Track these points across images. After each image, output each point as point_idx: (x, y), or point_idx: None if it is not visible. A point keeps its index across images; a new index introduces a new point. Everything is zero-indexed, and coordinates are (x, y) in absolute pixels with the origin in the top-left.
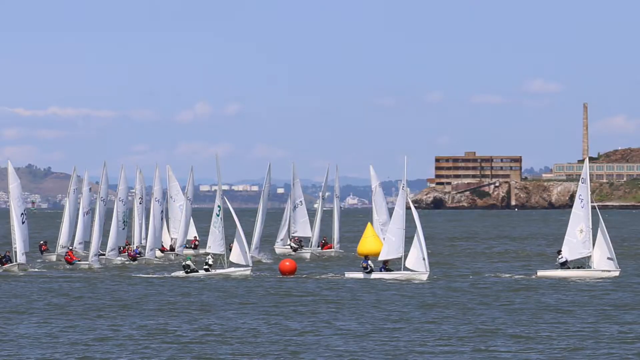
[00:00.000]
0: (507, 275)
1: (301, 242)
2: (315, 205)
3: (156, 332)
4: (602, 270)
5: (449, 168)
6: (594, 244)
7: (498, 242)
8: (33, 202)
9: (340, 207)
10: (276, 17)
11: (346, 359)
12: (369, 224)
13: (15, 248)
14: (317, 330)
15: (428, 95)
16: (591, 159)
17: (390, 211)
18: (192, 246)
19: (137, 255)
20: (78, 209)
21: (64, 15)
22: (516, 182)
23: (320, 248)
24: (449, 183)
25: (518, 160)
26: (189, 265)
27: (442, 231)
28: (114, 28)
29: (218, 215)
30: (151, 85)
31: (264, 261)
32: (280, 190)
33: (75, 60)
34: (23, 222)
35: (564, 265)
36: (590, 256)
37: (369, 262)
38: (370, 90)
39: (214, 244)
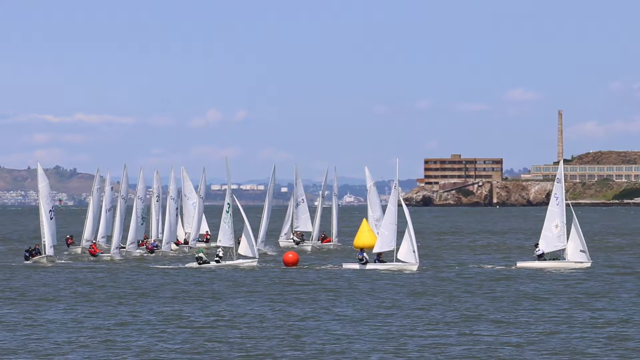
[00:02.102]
0: (489, 266)
1: (303, 236)
2: (316, 203)
3: (171, 317)
4: (575, 262)
5: (436, 169)
6: (568, 238)
7: (481, 236)
8: (60, 200)
9: (338, 205)
10: (279, 33)
11: (343, 342)
12: (364, 219)
13: (44, 241)
14: (317, 316)
15: (418, 103)
16: (565, 161)
17: (384, 208)
18: (204, 240)
19: (155, 248)
20: (101, 206)
21: (90, 31)
22: (497, 182)
23: (320, 241)
24: (436, 183)
25: (499, 162)
26: (201, 257)
27: (430, 226)
28: (133, 42)
29: (228, 212)
30: (167, 94)
31: (269, 253)
32: (284, 189)
33: (99, 71)
34: (51, 218)
35: (541, 257)
36: (564, 249)
37: (365, 254)
38: (366, 98)
39: (224, 238)
